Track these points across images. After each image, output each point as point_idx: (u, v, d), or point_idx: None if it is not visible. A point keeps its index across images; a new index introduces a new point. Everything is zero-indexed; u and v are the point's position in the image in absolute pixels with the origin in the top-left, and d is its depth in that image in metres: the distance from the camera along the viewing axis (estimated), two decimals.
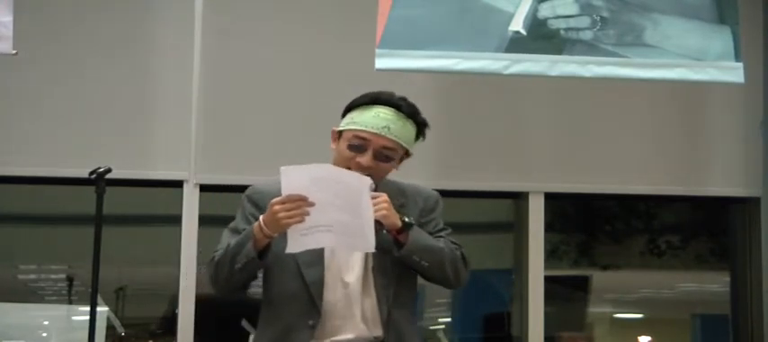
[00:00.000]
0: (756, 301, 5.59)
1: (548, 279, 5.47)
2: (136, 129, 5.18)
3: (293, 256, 3.00)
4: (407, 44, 4.57)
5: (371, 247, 2.95)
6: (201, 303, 5.09)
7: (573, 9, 4.70)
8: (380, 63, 4.54)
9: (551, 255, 5.84)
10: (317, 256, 3.05)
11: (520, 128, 5.50)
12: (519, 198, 5.58)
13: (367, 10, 4.76)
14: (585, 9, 4.70)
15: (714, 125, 5.64)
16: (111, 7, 5.22)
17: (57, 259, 5.96)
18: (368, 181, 2.96)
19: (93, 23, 5.19)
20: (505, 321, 5.72)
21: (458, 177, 5.36)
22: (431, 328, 6.13)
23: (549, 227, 5.56)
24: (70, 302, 5.70)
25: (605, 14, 4.70)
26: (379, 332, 3.05)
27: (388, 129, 3.09)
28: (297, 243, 2.95)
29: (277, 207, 2.91)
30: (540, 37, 4.66)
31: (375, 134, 3.08)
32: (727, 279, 5.92)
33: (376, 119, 3.10)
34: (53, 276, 6.16)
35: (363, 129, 3.09)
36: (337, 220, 2.93)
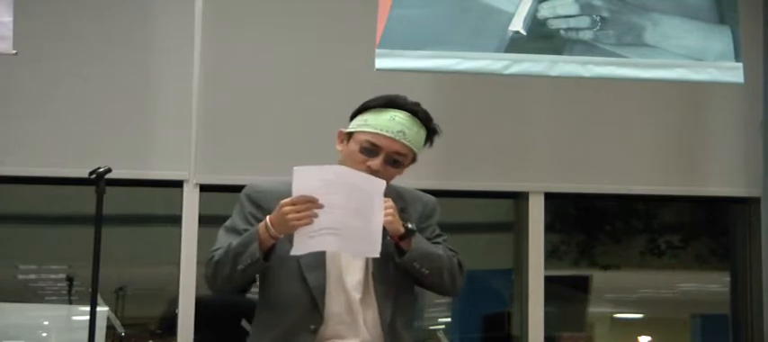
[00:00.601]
0: (756, 301, 5.59)
1: (548, 279, 5.46)
2: (136, 129, 5.17)
3: (296, 258, 2.97)
4: (407, 44, 4.57)
5: (377, 253, 2.92)
6: (201, 304, 5.09)
7: (573, 9, 4.69)
8: (380, 63, 4.54)
9: (551, 255, 5.84)
10: (318, 260, 3.02)
11: (520, 128, 5.49)
12: (519, 198, 5.58)
13: (367, 10, 4.76)
14: (585, 9, 4.70)
15: (714, 125, 5.63)
16: (110, 7, 5.21)
17: (57, 259, 5.96)
18: (382, 184, 2.93)
19: (93, 24, 5.18)
20: (505, 321, 5.72)
21: (458, 177, 5.36)
22: (431, 328, 6.13)
23: (549, 227, 5.56)
24: (70, 302, 5.71)
25: (605, 14, 4.70)
26: (380, 339, 3.03)
27: (404, 134, 3.06)
28: (303, 245, 2.92)
29: (287, 208, 2.87)
30: (540, 37, 4.66)
31: (390, 138, 3.04)
32: (728, 279, 5.92)
33: (391, 123, 3.05)
34: (53, 276, 6.16)
35: (378, 132, 3.04)
36: (345, 223, 2.90)
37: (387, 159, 3.04)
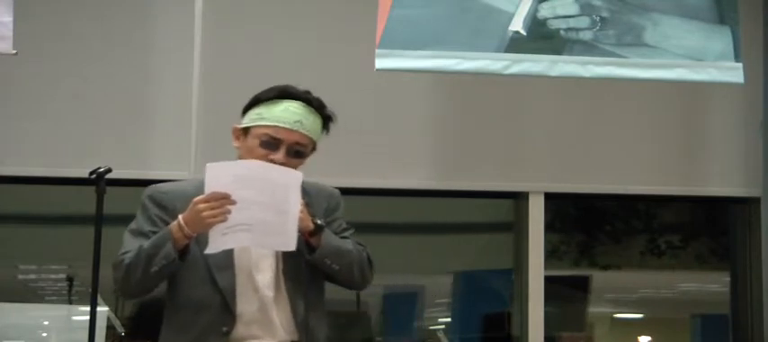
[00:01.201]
0: (756, 301, 5.59)
1: (548, 279, 5.46)
2: (136, 129, 5.17)
3: (204, 259, 2.92)
4: (407, 44, 4.56)
5: (292, 246, 2.87)
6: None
7: (573, 9, 4.69)
8: (380, 63, 4.53)
9: (551, 255, 5.84)
10: (227, 260, 2.96)
11: (520, 128, 5.49)
12: (519, 198, 5.57)
13: (367, 10, 4.75)
14: (585, 9, 4.70)
15: (714, 125, 5.63)
16: (110, 7, 5.21)
17: (57, 259, 5.96)
18: (299, 176, 2.89)
19: (93, 24, 5.18)
20: (505, 321, 5.72)
21: (458, 177, 5.35)
22: (431, 328, 6.13)
23: (549, 227, 5.56)
24: (70, 302, 5.70)
25: (605, 15, 4.70)
26: (294, 336, 2.97)
27: (301, 124, 3.01)
28: (217, 243, 2.87)
29: (201, 206, 2.83)
30: (540, 37, 4.66)
31: (288, 130, 2.99)
32: (728, 279, 5.92)
33: (286, 113, 3.01)
34: (53, 276, 6.16)
35: (276, 125, 3.00)
36: (258, 218, 2.85)
37: (288, 151, 2.99)
